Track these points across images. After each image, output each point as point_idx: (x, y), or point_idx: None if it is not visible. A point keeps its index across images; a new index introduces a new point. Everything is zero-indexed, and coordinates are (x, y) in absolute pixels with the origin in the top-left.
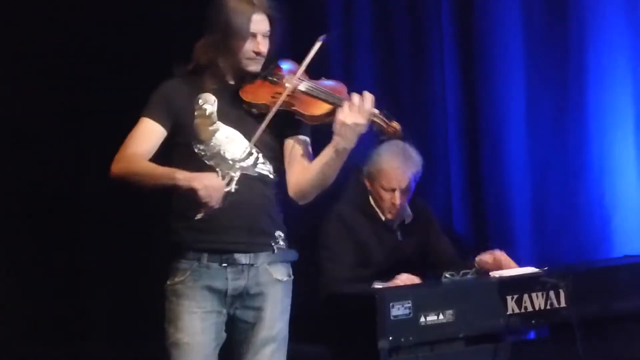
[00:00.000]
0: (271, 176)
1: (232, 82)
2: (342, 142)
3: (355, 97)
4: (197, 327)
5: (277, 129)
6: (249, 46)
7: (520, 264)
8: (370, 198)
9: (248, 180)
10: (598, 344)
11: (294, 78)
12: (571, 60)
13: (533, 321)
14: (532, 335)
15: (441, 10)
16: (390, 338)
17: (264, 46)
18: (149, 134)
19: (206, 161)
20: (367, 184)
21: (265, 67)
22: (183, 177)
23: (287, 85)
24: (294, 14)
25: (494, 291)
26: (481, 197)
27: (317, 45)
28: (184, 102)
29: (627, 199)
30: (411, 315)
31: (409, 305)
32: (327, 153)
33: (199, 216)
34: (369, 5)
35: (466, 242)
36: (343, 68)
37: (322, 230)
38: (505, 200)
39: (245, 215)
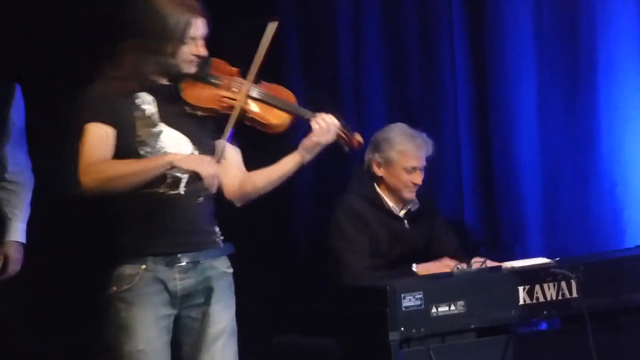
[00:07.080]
0: None
1: (165, 83)
2: (308, 156)
3: (324, 115)
4: (152, 333)
5: (212, 130)
6: (187, 49)
7: (532, 255)
8: (377, 186)
9: (193, 182)
10: (609, 335)
11: (246, 83)
12: (582, 53)
13: (544, 312)
14: (543, 326)
15: (452, 7)
16: (402, 329)
17: (204, 49)
18: (104, 139)
19: None
20: (380, 171)
21: (200, 67)
22: (179, 160)
23: (234, 89)
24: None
25: (505, 282)
26: (493, 190)
27: (270, 31)
28: (121, 103)
29: (639, 191)
30: (422, 306)
31: (420, 296)
32: (290, 165)
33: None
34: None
35: (477, 234)
36: (352, 64)
37: (334, 222)
38: (516, 192)
39: (190, 218)
